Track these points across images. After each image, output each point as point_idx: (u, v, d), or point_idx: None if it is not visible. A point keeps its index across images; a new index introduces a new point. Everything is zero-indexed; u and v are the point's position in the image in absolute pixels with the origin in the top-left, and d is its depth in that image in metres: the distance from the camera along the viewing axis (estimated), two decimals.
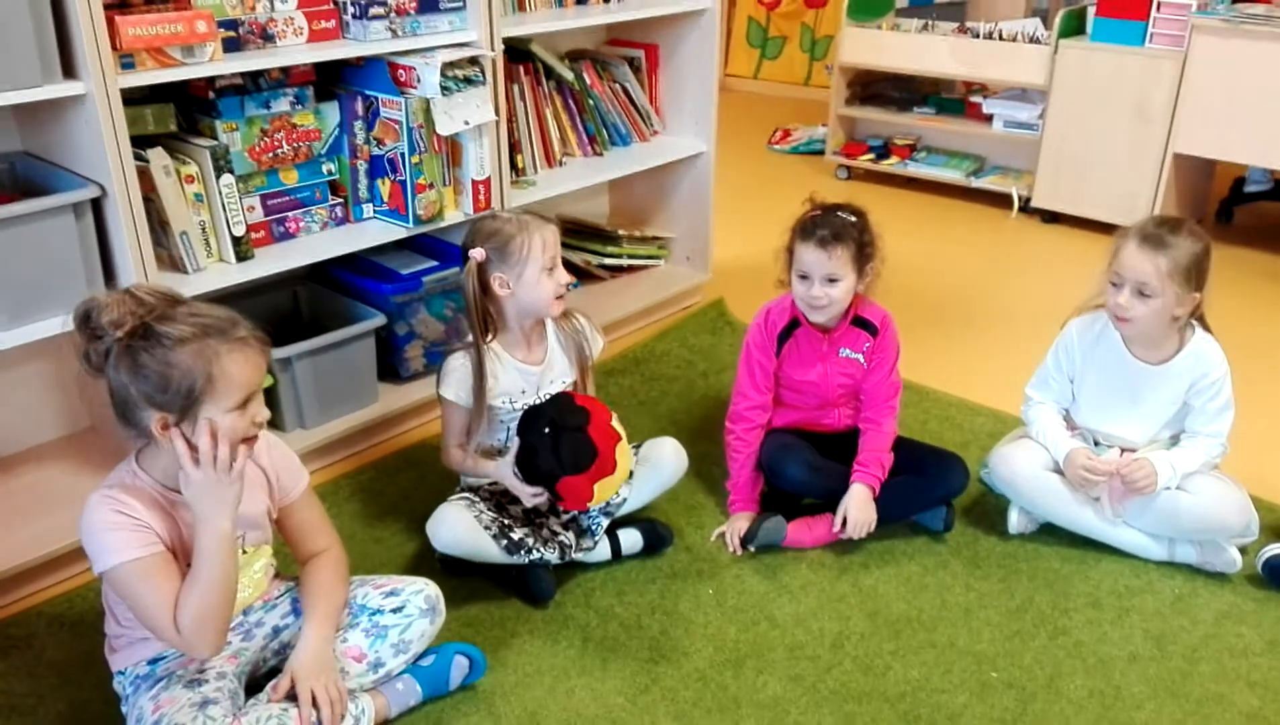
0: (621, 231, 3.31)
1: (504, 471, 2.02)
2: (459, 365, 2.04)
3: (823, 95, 5.01)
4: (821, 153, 4.85)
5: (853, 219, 2.13)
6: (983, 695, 1.83)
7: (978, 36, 4.23)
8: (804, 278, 2.14)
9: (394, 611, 1.72)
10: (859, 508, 2.14)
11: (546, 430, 1.93)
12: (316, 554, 1.74)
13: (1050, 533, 2.24)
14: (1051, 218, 4.15)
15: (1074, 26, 3.99)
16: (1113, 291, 2.04)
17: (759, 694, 1.83)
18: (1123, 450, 2.14)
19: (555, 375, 2.14)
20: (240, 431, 1.50)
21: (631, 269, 3.34)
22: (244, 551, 1.64)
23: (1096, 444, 2.18)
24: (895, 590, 2.09)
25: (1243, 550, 2.14)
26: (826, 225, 2.11)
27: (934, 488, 2.21)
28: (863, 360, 2.23)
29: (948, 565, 2.16)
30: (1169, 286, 1.97)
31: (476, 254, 2.00)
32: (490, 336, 2.06)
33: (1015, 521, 2.24)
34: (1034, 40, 4.06)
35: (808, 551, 2.19)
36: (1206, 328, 2.10)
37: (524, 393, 2.09)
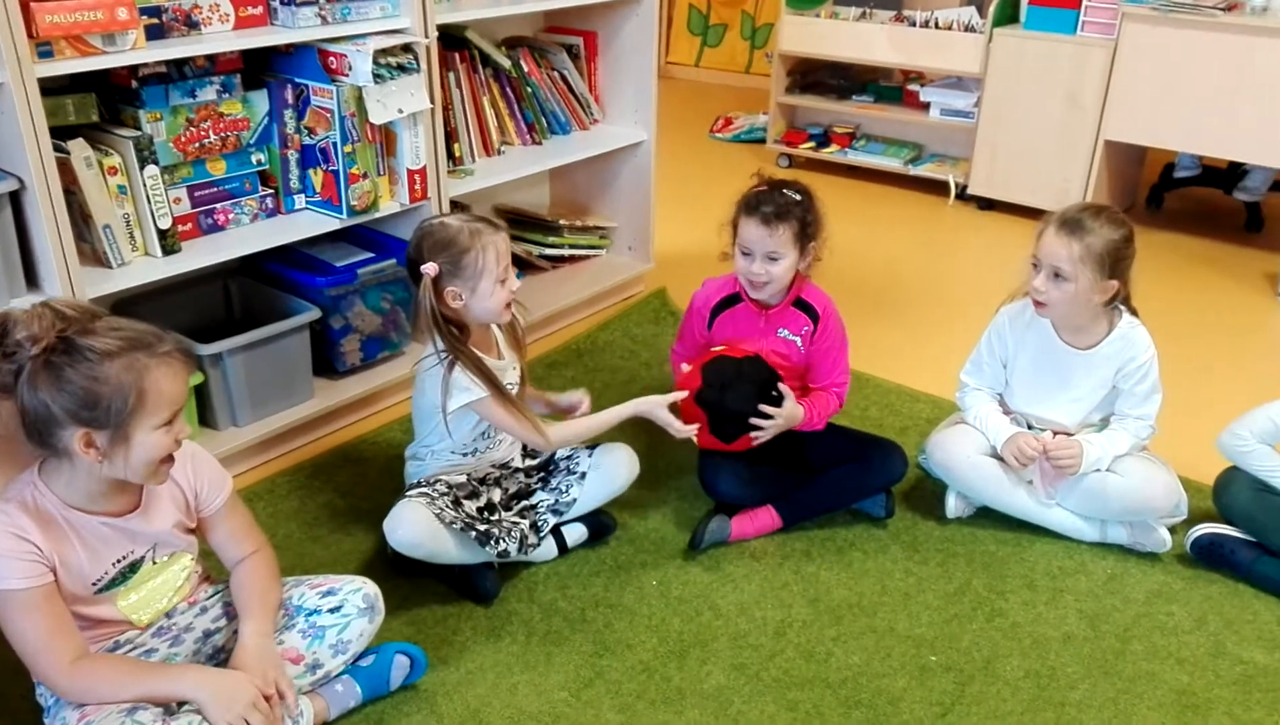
0: (563, 221, 3.28)
1: (655, 411, 2.09)
2: (459, 371, 1.93)
3: (764, 83, 5.02)
4: (763, 141, 4.86)
5: (797, 197, 2.13)
6: (922, 679, 1.86)
7: (914, 25, 4.27)
8: (746, 254, 2.14)
9: (331, 611, 1.69)
10: (792, 411, 2.16)
11: (775, 392, 2.13)
12: (245, 557, 1.70)
13: (987, 516, 2.28)
14: (987, 205, 4.21)
15: (1008, 14, 4.04)
16: (1032, 274, 2.07)
17: (703, 684, 1.84)
18: (1055, 434, 2.17)
19: (509, 364, 2.12)
20: (164, 449, 1.48)
21: (573, 259, 3.32)
22: (154, 563, 1.61)
23: (1030, 428, 2.22)
24: (836, 577, 2.11)
25: (1172, 530, 2.19)
26: (771, 202, 2.11)
27: (875, 476, 2.23)
28: (800, 344, 2.23)
29: (887, 550, 2.19)
30: (1082, 271, 2.00)
31: (429, 270, 1.90)
32: (467, 337, 1.98)
33: (952, 506, 2.27)
34: (969, 28, 4.11)
35: (750, 541, 2.20)
36: (1134, 313, 2.15)
37: None
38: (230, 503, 1.69)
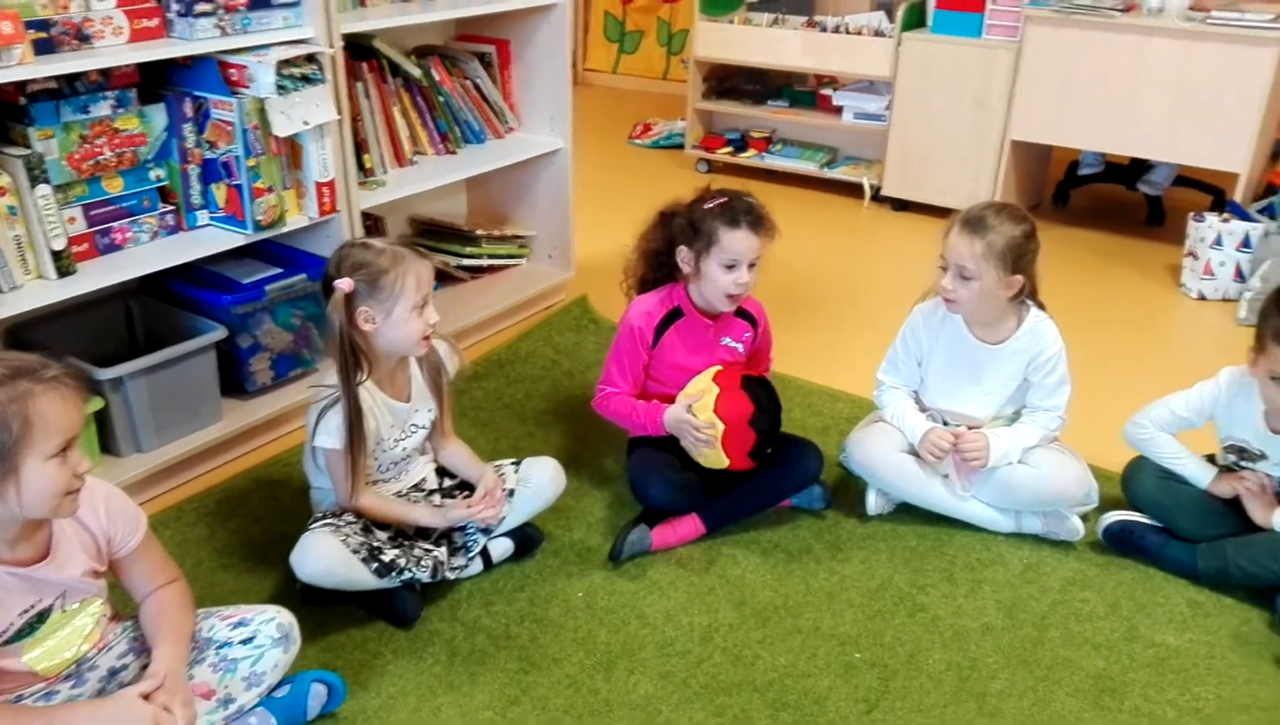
0: (480, 231, 3.25)
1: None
2: (333, 414, 1.89)
3: (681, 89, 5.04)
4: (681, 146, 4.88)
5: (756, 200, 2.18)
6: (847, 676, 1.87)
7: (825, 30, 4.32)
8: (731, 266, 2.14)
9: (244, 643, 1.63)
10: None
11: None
12: (157, 588, 1.63)
13: (907, 512, 2.31)
14: (901, 206, 4.29)
15: (916, 19, 4.12)
16: (941, 274, 2.11)
17: (631, 694, 1.82)
18: (970, 428, 2.21)
19: (421, 406, 2.06)
20: (62, 483, 1.40)
21: (492, 269, 3.28)
22: (63, 611, 1.53)
23: (945, 423, 2.25)
24: (761, 579, 2.11)
25: (1085, 518, 2.25)
26: (749, 210, 2.15)
27: (791, 476, 2.25)
28: (741, 350, 2.29)
29: (811, 550, 2.20)
30: (986, 268, 2.04)
31: (344, 285, 1.85)
32: (364, 375, 1.92)
33: (873, 503, 2.29)
34: (879, 33, 4.17)
35: (675, 549, 2.19)
36: (1041, 307, 2.19)
37: (393, 428, 2.00)
38: (147, 539, 1.62)
